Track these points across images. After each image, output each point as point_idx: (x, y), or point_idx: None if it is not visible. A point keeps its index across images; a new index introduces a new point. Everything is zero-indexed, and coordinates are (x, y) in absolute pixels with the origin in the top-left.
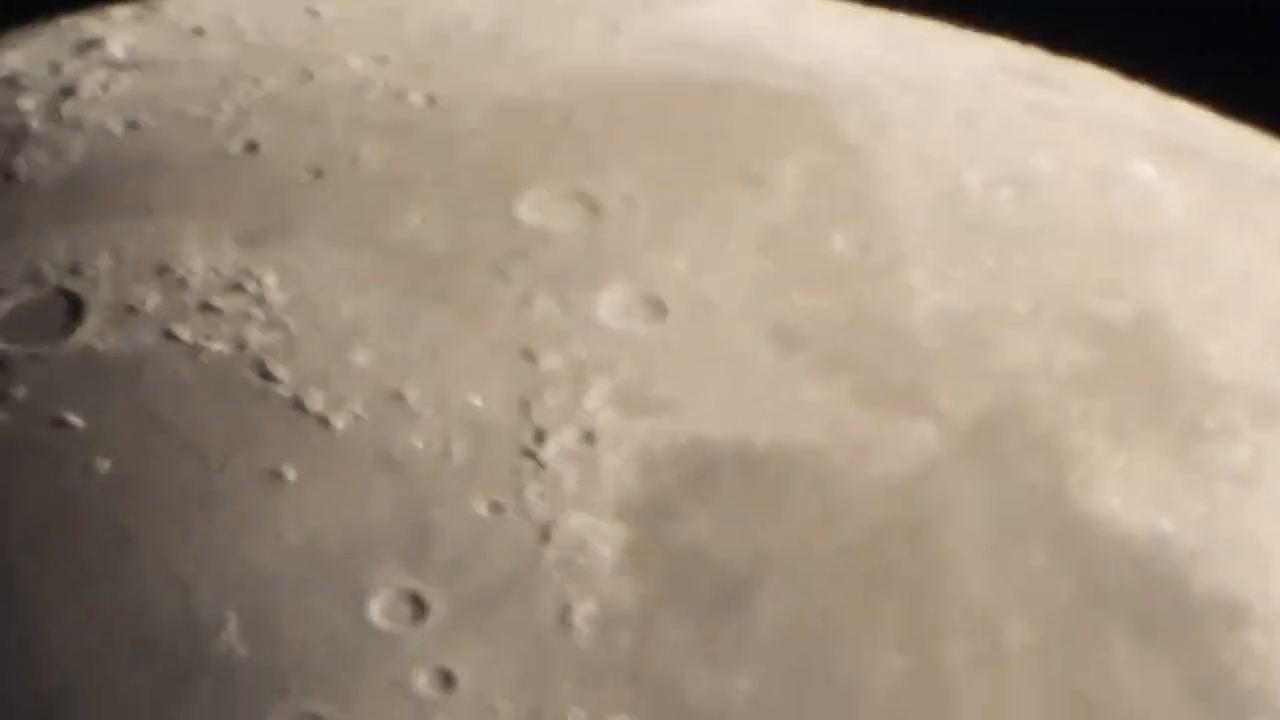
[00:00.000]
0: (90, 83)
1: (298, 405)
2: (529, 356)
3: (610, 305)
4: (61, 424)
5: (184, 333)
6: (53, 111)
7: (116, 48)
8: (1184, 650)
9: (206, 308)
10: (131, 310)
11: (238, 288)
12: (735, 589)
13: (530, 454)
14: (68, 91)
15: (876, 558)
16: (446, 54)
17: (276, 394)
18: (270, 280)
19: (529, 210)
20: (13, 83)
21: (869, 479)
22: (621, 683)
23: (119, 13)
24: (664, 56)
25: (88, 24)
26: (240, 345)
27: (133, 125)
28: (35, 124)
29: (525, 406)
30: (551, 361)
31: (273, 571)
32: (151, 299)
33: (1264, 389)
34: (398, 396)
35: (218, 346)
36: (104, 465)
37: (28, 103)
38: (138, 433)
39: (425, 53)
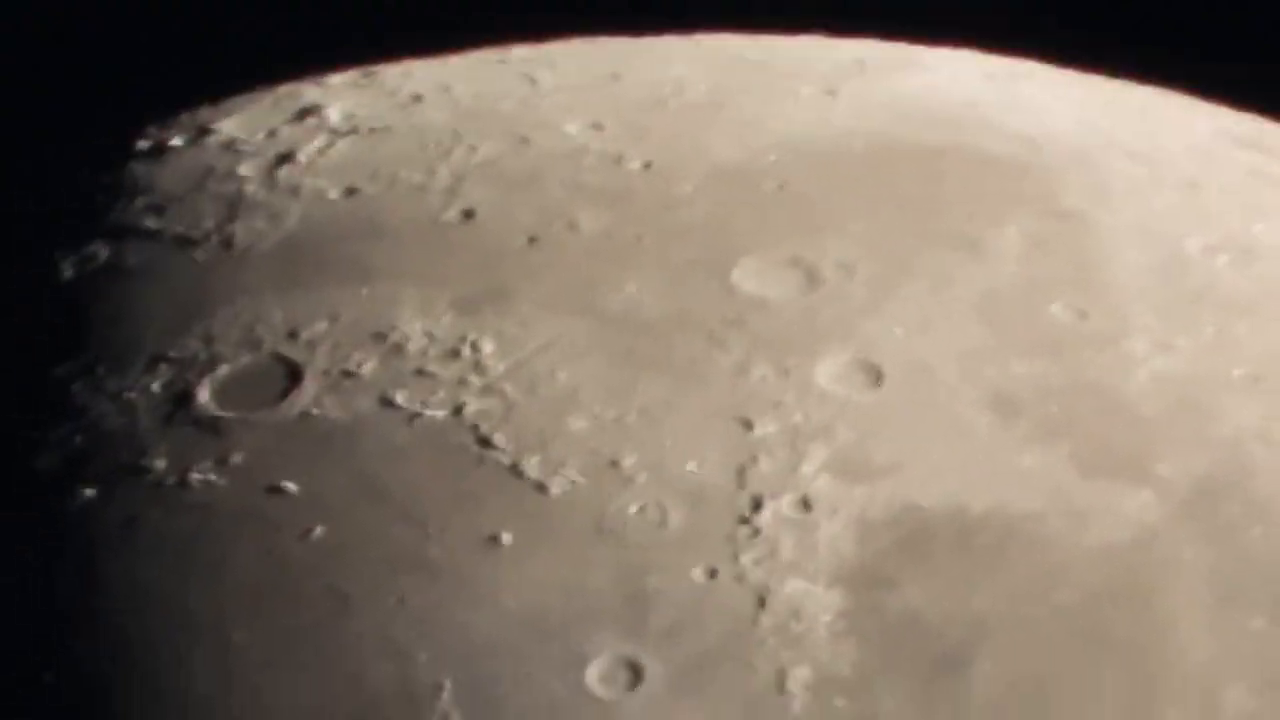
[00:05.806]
0: (308, 149)
1: (515, 471)
2: (745, 423)
3: (827, 372)
4: (278, 490)
5: (401, 399)
6: (270, 177)
7: (334, 114)
8: None
9: (423, 374)
10: (348, 376)
11: (455, 354)
12: (952, 654)
13: (746, 520)
14: (285, 157)
15: (1095, 623)
16: (663, 120)
17: (494, 460)
18: (487, 347)
19: (745, 277)
20: (231, 148)
21: (1087, 545)
22: None
23: (336, 79)
24: (881, 123)
25: (306, 91)
26: (457, 411)
27: (349, 191)
28: (253, 190)
29: (741, 473)
30: (768, 428)
31: (490, 638)
32: (368, 365)
33: None
34: (614, 463)
35: (435, 413)
36: (320, 531)
37: (246, 169)
38: (354, 499)
39: (642, 119)
